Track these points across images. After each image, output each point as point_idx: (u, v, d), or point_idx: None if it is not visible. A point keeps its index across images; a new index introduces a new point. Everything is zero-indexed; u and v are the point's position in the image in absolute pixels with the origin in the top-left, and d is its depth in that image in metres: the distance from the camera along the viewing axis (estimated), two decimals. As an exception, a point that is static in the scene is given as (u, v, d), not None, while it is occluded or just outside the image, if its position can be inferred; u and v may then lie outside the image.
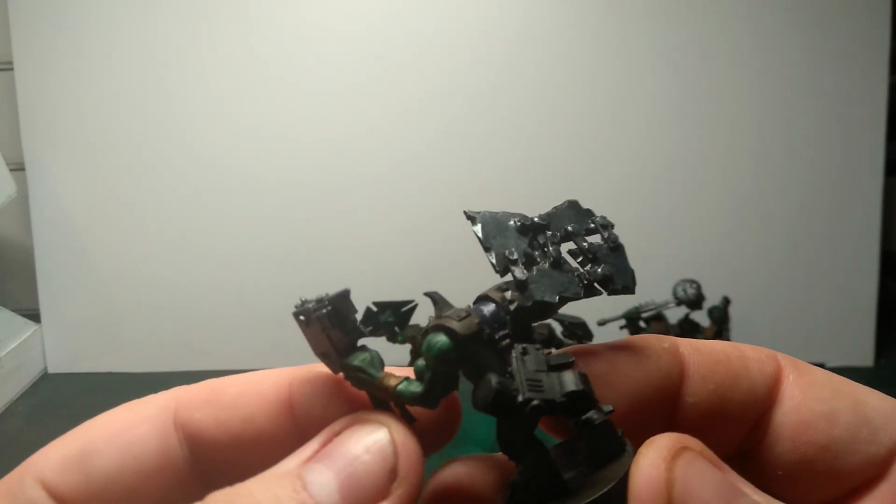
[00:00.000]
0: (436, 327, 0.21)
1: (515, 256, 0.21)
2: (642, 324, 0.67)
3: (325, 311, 0.21)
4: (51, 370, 0.76)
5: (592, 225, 0.22)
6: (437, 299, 0.24)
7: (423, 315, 0.74)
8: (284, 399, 0.20)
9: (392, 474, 0.17)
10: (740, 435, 0.20)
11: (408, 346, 0.73)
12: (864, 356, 0.73)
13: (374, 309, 0.73)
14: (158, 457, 0.20)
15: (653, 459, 0.17)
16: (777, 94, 0.71)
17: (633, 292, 0.21)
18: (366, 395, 0.20)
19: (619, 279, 0.21)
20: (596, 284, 0.21)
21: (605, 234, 0.22)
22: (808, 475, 0.19)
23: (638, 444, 0.18)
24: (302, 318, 0.22)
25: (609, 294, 0.21)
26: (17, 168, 0.74)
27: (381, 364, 0.21)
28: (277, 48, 0.72)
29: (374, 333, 0.74)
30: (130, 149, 0.74)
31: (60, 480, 0.19)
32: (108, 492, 0.19)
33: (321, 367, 0.21)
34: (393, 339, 0.73)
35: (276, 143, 0.73)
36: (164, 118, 0.73)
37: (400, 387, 0.20)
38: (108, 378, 0.74)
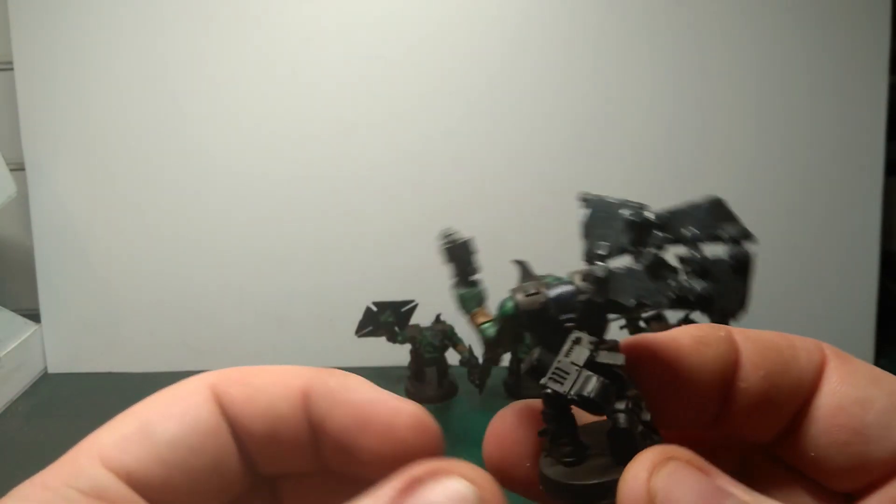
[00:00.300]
0: (511, 293, 0.21)
1: (603, 252, 0.21)
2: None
3: (463, 240, 0.24)
4: (51, 370, 0.76)
5: (722, 233, 0.20)
6: (524, 268, 0.27)
7: (423, 315, 0.75)
8: (305, 392, 0.21)
9: None
10: (786, 419, 0.21)
11: (408, 346, 0.74)
12: (864, 356, 0.73)
13: (374, 309, 0.74)
14: (212, 422, 0.20)
15: (636, 472, 0.17)
16: (777, 94, 0.71)
17: (734, 318, 0.20)
18: (369, 407, 0.21)
19: (722, 301, 0.19)
20: (691, 298, 0.19)
21: (733, 251, 0.20)
22: (839, 459, 0.20)
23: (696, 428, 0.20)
24: (448, 238, 0.25)
25: (703, 313, 0.20)
26: (17, 168, 0.74)
27: (480, 301, 0.24)
28: (278, 48, 0.72)
29: (374, 333, 0.75)
30: (131, 149, 0.74)
31: (123, 455, 0.19)
32: (173, 457, 0.20)
33: (338, 372, 0.22)
34: (393, 338, 0.74)
35: (277, 143, 0.74)
36: (164, 118, 0.73)
37: (484, 325, 0.24)
38: (108, 378, 0.74)
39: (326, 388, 0.21)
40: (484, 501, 0.17)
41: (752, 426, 0.21)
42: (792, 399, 0.20)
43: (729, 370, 0.21)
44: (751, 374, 0.21)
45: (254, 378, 0.22)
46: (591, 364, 0.19)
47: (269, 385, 0.21)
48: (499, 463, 0.21)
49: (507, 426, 0.21)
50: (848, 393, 0.20)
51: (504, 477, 0.21)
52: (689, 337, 0.21)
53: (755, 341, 0.21)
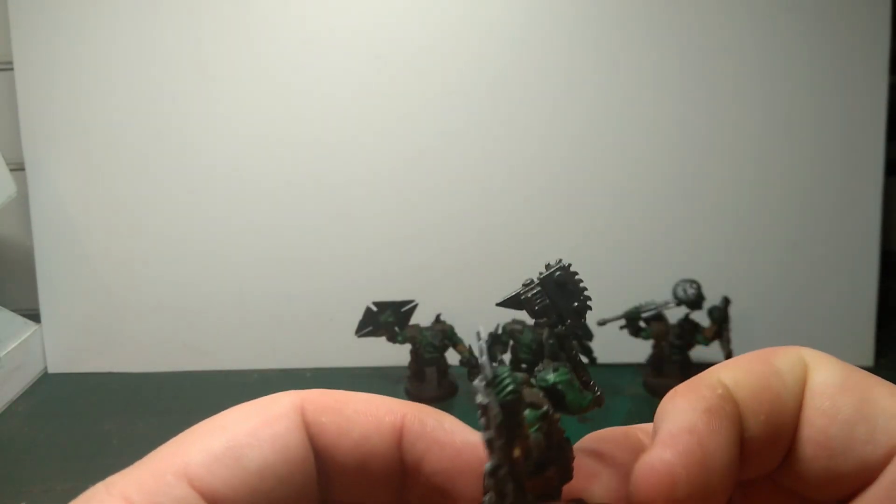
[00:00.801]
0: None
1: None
2: (642, 324, 0.67)
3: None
4: (51, 370, 0.76)
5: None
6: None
7: (423, 315, 0.75)
8: (398, 428, 0.21)
9: None
10: (786, 447, 0.19)
11: (408, 346, 0.74)
12: (864, 356, 0.73)
13: (374, 309, 0.74)
14: (301, 452, 0.20)
15: None
16: (777, 94, 0.71)
17: (578, 319, 0.22)
18: (469, 450, 0.20)
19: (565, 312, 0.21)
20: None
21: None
22: (810, 473, 0.19)
23: None
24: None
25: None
26: (17, 168, 0.74)
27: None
28: (279, 49, 0.72)
29: (374, 333, 0.75)
30: (131, 149, 0.74)
31: (212, 477, 0.19)
32: (261, 486, 0.19)
33: (431, 410, 0.21)
34: (393, 338, 0.74)
35: (277, 144, 0.74)
36: (164, 118, 0.73)
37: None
38: (108, 378, 0.74)
39: (423, 428, 0.21)
40: None
41: (756, 466, 0.19)
42: (789, 428, 0.19)
43: (739, 436, 0.19)
44: (752, 424, 0.19)
45: (346, 407, 0.21)
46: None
47: (361, 416, 0.21)
48: None
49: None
50: (816, 405, 0.19)
51: None
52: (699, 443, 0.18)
53: (746, 387, 0.19)
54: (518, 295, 0.24)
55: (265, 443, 0.19)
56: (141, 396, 0.71)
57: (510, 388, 0.17)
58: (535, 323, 0.24)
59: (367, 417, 0.21)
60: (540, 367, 0.22)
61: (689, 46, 0.71)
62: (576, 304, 0.23)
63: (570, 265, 0.23)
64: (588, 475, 0.20)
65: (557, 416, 0.20)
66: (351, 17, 0.72)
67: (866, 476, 0.18)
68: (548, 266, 0.24)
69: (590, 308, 0.22)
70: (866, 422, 0.18)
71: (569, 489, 0.19)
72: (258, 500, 0.19)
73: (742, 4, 0.70)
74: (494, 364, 0.18)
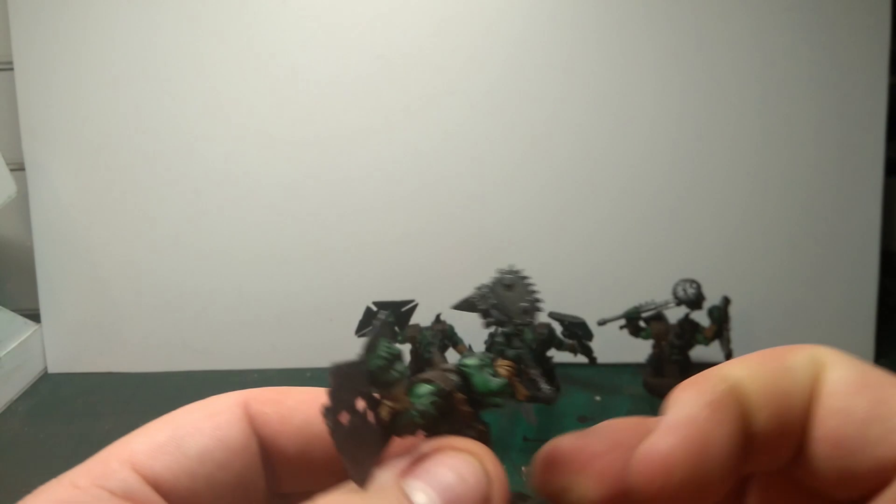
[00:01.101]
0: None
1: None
2: (642, 324, 0.67)
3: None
4: (51, 370, 0.76)
5: None
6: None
7: (423, 315, 0.75)
8: None
9: (487, 502, 0.19)
10: (796, 443, 0.19)
11: (408, 346, 0.74)
12: (864, 356, 0.73)
13: (374, 309, 0.74)
14: (241, 440, 0.22)
15: None
16: (777, 94, 0.71)
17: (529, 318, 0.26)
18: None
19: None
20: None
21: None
22: (826, 472, 0.19)
23: None
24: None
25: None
26: (17, 168, 0.74)
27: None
28: (278, 49, 0.72)
29: (374, 333, 0.71)
30: (131, 149, 0.74)
31: (154, 462, 0.20)
32: (201, 470, 0.21)
33: None
34: (393, 338, 0.74)
35: (277, 144, 0.74)
36: (164, 118, 0.73)
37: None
38: (108, 378, 0.74)
39: None
40: (487, 474, 0.19)
41: (764, 460, 0.19)
42: (798, 425, 0.19)
43: (747, 430, 0.19)
44: (759, 419, 0.19)
45: (287, 398, 0.23)
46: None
47: (302, 405, 0.22)
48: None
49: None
50: (829, 404, 0.19)
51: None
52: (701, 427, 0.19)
53: (755, 382, 0.20)
54: (471, 298, 0.27)
55: (205, 432, 0.21)
56: (141, 396, 0.71)
57: (378, 357, 0.21)
58: (485, 323, 0.26)
59: (307, 405, 0.23)
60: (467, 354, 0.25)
61: (689, 46, 0.71)
62: (523, 304, 0.28)
63: (520, 270, 0.26)
64: (592, 455, 0.20)
65: (460, 396, 0.23)
66: (351, 16, 0.72)
67: (882, 477, 0.18)
68: (500, 271, 0.26)
69: (538, 309, 0.24)
70: (881, 423, 0.18)
71: (554, 464, 0.20)
72: (198, 485, 0.21)
73: (742, 4, 0.70)
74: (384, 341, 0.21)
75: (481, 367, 0.24)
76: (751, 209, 0.73)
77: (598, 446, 0.21)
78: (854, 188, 0.72)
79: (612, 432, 0.21)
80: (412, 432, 0.22)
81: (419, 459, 0.20)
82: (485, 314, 0.26)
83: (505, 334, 0.24)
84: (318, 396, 0.22)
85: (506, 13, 0.72)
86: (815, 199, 0.72)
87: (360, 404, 0.21)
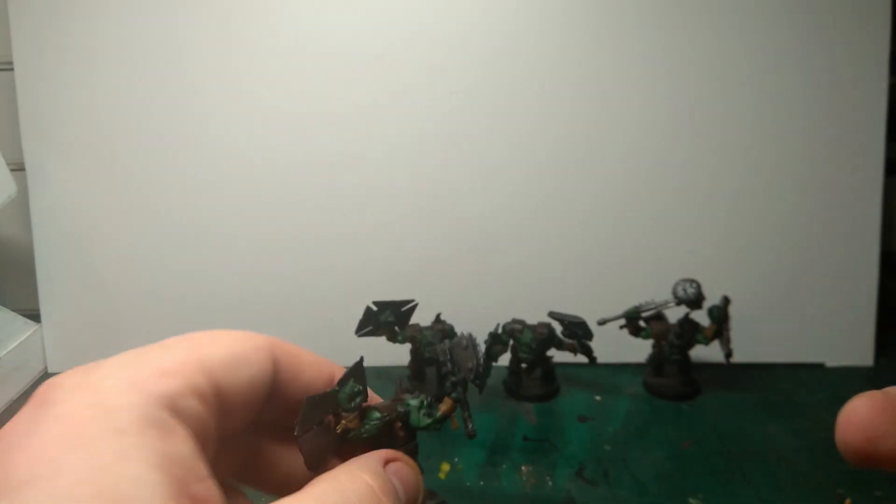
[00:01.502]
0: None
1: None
2: (642, 323, 0.67)
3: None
4: (51, 370, 0.76)
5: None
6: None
7: (423, 315, 0.75)
8: (333, 379, 0.32)
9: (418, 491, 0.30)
10: None
11: (408, 346, 0.74)
12: (864, 356, 0.73)
13: (374, 309, 0.74)
14: (270, 375, 0.28)
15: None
16: (777, 94, 0.71)
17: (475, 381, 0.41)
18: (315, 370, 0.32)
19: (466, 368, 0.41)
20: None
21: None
22: None
23: None
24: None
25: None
26: (17, 168, 0.74)
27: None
28: (280, 50, 0.72)
29: (374, 333, 0.76)
30: (131, 149, 0.74)
31: (223, 375, 0.26)
32: (249, 391, 0.28)
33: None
34: (393, 338, 0.75)
35: (276, 144, 0.74)
36: (165, 119, 0.73)
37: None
38: (108, 378, 0.74)
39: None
40: (416, 474, 0.30)
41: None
42: None
43: None
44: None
45: (301, 357, 0.31)
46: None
47: (310, 366, 0.31)
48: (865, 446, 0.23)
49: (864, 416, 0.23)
50: None
51: (872, 457, 0.22)
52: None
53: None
54: (372, 323, 0.49)
55: (252, 361, 0.28)
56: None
57: (348, 387, 0.33)
58: (440, 372, 0.41)
59: (314, 368, 0.31)
60: (415, 395, 0.38)
61: (689, 46, 0.71)
62: (469, 365, 0.41)
63: (475, 338, 0.43)
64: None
65: (399, 423, 0.36)
66: (352, 15, 0.72)
67: None
68: (460, 336, 0.42)
69: (480, 371, 0.41)
70: None
71: None
72: (235, 398, 0.27)
73: (742, 4, 0.71)
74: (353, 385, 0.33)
75: (419, 408, 0.37)
76: (751, 209, 0.73)
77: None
78: (854, 188, 0.72)
79: None
80: (359, 443, 0.33)
81: (390, 459, 0.30)
82: (441, 365, 0.43)
83: (453, 382, 0.41)
84: (321, 362, 0.32)
85: (510, 13, 0.72)
86: (815, 199, 0.73)
87: (329, 418, 0.32)
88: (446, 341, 0.43)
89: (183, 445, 0.23)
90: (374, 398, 0.36)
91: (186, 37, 0.73)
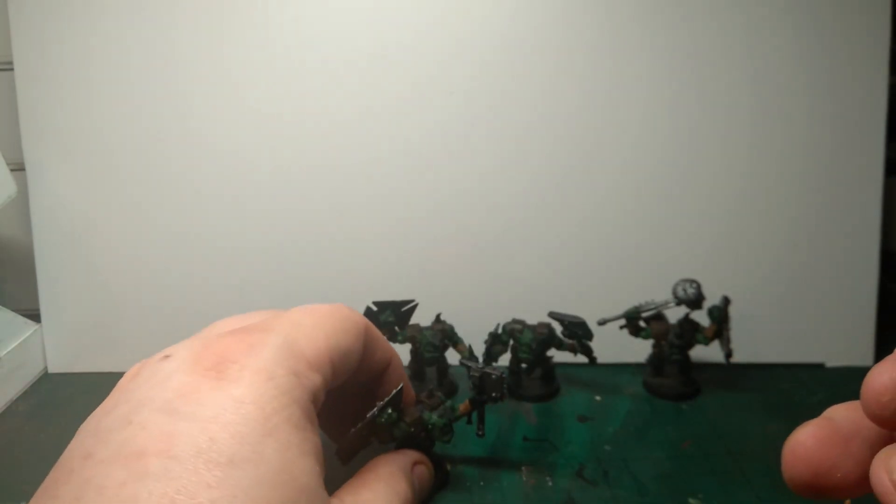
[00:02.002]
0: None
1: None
2: (642, 323, 0.67)
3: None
4: (51, 370, 0.76)
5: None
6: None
7: (423, 315, 0.75)
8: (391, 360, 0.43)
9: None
10: None
11: (408, 346, 0.74)
12: (864, 356, 0.73)
13: (374, 309, 0.75)
14: (359, 359, 0.36)
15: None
16: (776, 94, 0.71)
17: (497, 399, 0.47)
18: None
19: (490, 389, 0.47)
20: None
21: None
22: None
23: None
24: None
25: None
26: (17, 168, 0.74)
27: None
28: (280, 50, 0.73)
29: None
30: (131, 149, 0.74)
31: (338, 363, 0.34)
32: (351, 364, 0.35)
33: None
34: (393, 338, 0.75)
35: (276, 145, 0.74)
36: (165, 119, 0.74)
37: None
38: (108, 378, 0.74)
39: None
40: (431, 476, 0.41)
41: None
42: None
43: None
44: None
45: (378, 337, 0.39)
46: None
47: (382, 347, 0.39)
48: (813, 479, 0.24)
49: (810, 448, 0.24)
50: None
51: (820, 489, 0.24)
52: None
53: None
54: (474, 370, 0.47)
55: (354, 346, 0.35)
56: (141, 396, 0.70)
57: (385, 415, 0.41)
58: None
59: (383, 349, 0.39)
60: (436, 409, 0.46)
61: (687, 46, 0.71)
62: (494, 394, 0.46)
63: (504, 371, 0.47)
64: None
65: (422, 433, 0.44)
66: (352, 13, 0.72)
67: None
68: (492, 367, 0.46)
69: (498, 398, 0.46)
70: None
71: None
72: (339, 380, 0.34)
73: (740, 4, 0.71)
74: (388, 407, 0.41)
75: (441, 427, 0.45)
76: (750, 209, 0.73)
77: None
78: (854, 188, 0.72)
79: None
80: (387, 442, 0.43)
81: (417, 462, 0.39)
82: (469, 371, 0.48)
83: (472, 402, 0.48)
84: (388, 349, 0.40)
85: (498, 12, 0.72)
86: (814, 199, 0.73)
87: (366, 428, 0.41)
88: (481, 362, 0.50)
89: (318, 435, 0.28)
90: (409, 393, 0.44)
91: (187, 37, 0.73)
